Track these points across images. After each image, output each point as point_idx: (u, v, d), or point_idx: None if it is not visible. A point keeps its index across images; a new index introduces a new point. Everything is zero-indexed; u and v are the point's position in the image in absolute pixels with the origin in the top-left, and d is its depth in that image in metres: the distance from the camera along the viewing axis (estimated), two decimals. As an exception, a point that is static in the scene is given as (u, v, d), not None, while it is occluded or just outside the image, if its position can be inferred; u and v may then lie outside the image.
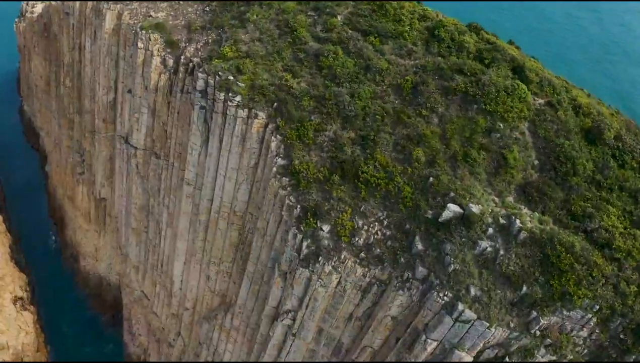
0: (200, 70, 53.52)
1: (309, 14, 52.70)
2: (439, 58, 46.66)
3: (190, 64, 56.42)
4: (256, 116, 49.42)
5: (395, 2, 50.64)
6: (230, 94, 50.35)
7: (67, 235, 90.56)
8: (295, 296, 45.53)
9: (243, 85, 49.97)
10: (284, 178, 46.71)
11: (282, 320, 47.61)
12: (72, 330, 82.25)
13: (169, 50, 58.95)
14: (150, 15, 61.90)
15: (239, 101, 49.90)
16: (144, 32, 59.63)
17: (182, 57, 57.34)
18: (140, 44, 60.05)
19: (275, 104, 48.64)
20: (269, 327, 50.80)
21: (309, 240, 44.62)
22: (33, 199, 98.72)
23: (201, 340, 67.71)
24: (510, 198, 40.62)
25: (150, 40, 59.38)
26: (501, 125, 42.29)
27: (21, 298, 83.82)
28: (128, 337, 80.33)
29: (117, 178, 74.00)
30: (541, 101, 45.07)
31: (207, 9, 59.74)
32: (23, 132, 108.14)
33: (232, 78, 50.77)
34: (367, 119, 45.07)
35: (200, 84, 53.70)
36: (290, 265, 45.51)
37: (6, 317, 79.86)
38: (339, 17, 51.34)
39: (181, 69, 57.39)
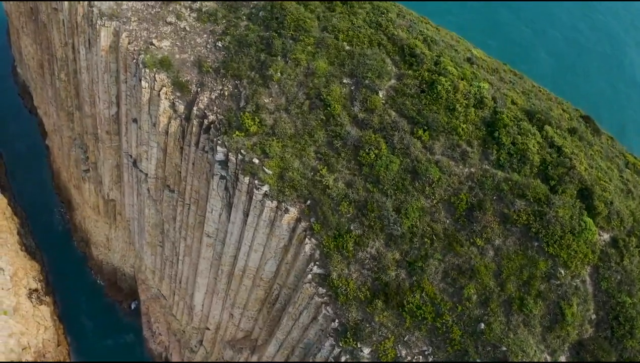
0: (220, 141, 47.74)
1: (344, 81, 45.57)
2: (499, 173, 40.96)
3: (206, 121, 50.45)
4: (287, 211, 44.74)
5: (443, 78, 43.44)
6: (256, 182, 45.20)
7: (75, 219, 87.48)
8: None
9: (270, 172, 44.77)
10: (320, 288, 43.17)
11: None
12: (90, 321, 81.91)
13: (178, 93, 52.45)
14: (153, 44, 54.49)
15: (266, 191, 44.91)
16: (147, 70, 52.61)
17: (195, 107, 51.27)
18: (144, 83, 53.56)
19: (309, 201, 43.72)
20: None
21: (347, 356, 42.26)
22: (36, 171, 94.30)
23: (226, 358, 67.35)
24: (562, 358, 37.64)
25: (155, 80, 52.58)
26: (562, 271, 38.31)
27: (36, 290, 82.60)
28: (148, 333, 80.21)
29: (126, 191, 69.76)
30: (607, 237, 40.45)
31: (220, 44, 52.27)
32: (19, 94, 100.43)
33: (257, 161, 45.41)
34: (414, 240, 40.56)
35: (219, 156, 48.21)
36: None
37: (23, 315, 79.08)
38: (380, 94, 44.43)
39: (194, 122, 51.50)
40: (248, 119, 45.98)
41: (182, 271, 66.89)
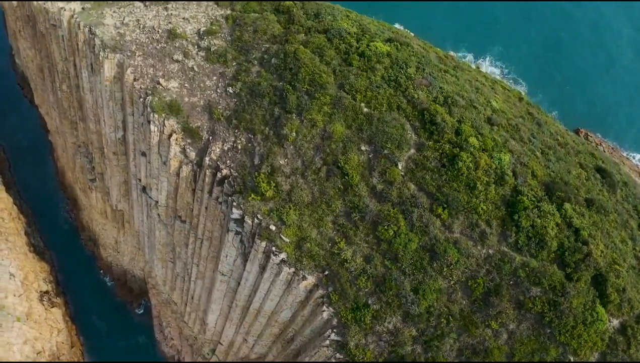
0: (235, 203, 46.96)
1: (362, 148, 44.40)
2: (517, 257, 40.70)
3: (219, 174, 49.56)
4: (304, 278, 44.70)
5: (464, 153, 42.38)
6: (274, 248, 44.96)
7: (82, 219, 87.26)
8: None
9: (288, 240, 44.51)
10: (337, 354, 43.76)
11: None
12: (102, 321, 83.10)
13: (189, 140, 51.34)
14: (160, 83, 52.89)
15: (284, 258, 44.73)
16: (156, 115, 51.26)
17: (207, 157, 50.27)
18: (153, 127, 52.56)
19: (327, 272, 43.61)
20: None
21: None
22: (39, 165, 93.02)
23: (239, 370, 68.87)
24: None
25: (164, 125, 51.36)
26: (571, 358, 38.72)
27: (47, 292, 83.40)
28: (160, 335, 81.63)
29: (135, 208, 69.30)
30: (616, 323, 40.69)
31: (231, 90, 50.70)
32: (18, 83, 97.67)
33: (274, 228, 44.98)
34: (431, 319, 40.80)
35: (235, 215, 47.68)
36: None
37: (36, 319, 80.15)
38: (399, 166, 43.38)
39: (207, 172, 50.75)
40: (264, 183, 45.14)
41: (195, 290, 67.31)
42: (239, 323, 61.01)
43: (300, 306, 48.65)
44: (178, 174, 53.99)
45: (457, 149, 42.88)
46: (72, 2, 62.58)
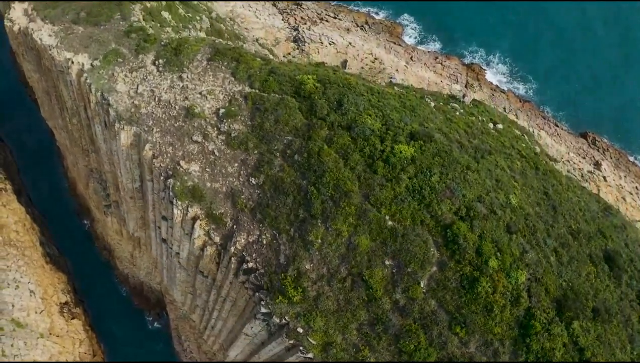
0: (263, 302, 48.64)
1: (386, 263, 45.76)
2: None
3: (245, 265, 50.93)
4: (330, 377, 47.26)
5: (484, 279, 44.05)
6: (301, 348, 47.25)
7: (96, 229, 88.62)
8: None
9: (315, 342, 46.66)
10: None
11: None
12: (120, 330, 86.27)
13: (213, 226, 52.31)
14: (180, 165, 53.15)
15: (310, 357, 47.14)
16: (179, 202, 51.99)
17: (233, 247, 51.33)
18: (176, 211, 53.60)
19: (352, 374, 46.22)
20: None
21: None
22: (48, 168, 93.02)
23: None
24: None
25: (188, 210, 52.19)
26: None
27: (66, 303, 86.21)
28: (178, 347, 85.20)
29: (153, 247, 70.57)
30: None
31: (253, 181, 51.15)
32: (20, 80, 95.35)
33: (301, 331, 47.08)
34: None
35: (263, 310, 49.47)
36: None
37: (58, 332, 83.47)
38: (422, 283, 44.96)
39: (233, 260, 51.94)
40: (291, 288, 46.74)
41: (216, 325, 69.76)
42: (261, 366, 63.98)
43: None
44: (202, 250, 55.07)
45: (477, 272, 44.66)
46: (80, 55, 61.27)
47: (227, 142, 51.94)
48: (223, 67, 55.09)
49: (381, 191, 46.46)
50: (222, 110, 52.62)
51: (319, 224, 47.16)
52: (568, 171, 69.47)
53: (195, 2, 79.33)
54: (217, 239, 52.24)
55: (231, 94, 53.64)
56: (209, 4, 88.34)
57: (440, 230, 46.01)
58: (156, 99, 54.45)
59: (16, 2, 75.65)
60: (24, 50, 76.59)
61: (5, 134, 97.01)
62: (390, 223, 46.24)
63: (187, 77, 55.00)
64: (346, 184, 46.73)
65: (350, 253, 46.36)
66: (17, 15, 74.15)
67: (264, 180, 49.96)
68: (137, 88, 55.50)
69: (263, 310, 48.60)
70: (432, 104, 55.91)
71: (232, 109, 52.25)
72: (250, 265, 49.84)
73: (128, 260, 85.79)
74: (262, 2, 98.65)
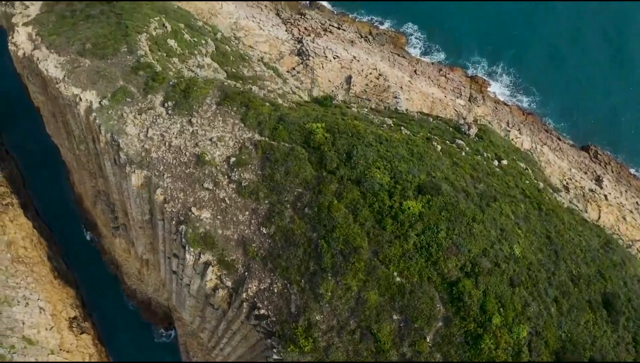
0: (275, 350, 50.13)
1: (394, 317, 47.14)
2: None
3: (256, 311, 52.31)
4: (341, 424, 48.98)
5: (487, 336, 45.48)
6: (311, 393, 48.98)
7: (103, 244, 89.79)
8: None
9: (325, 391, 48.28)
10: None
11: None
12: (129, 343, 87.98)
13: (224, 271, 53.56)
14: (192, 211, 54.08)
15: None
16: (192, 248, 53.14)
17: (245, 293, 52.64)
18: (188, 256, 54.74)
19: (362, 421, 47.99)
20: None
21: None
22: (53, 178, 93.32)
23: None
24: None
25: (200, 257, 53.40)
26: None
27: (75, 318, 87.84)
28: (187, 360, 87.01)
29: (162, 272, 71.71)
30: None
31: (264, 230, 52.24)
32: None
33: (312, 380, 48.60)
34: None
35: (275, 355, 51.01)
36: None
37: (68, 348, 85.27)
38: (428, 338, 46.42)
39: (244, 305, 53.27)
40: (302, 337, 48.20)
41: (225, 349, 71.46)
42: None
43: None
44: (214, 290, 56.34)
45: (481, 329, 46.15)
46: (88, 92, 61.63)
47: (238, 191, 52.79)
48: (232, 112, 55.64)
49: (390, 248, 47.64)
50: (232, 159, 53.39)
51: (329, 278, 48.42)
52: (570, 201, 70.42)
53: (200, 24, 79.31)
54: (229, 283, 53.48)
55: (241, 141, 54.31)
56: (213, 22, 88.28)
57: (447, 287, 47.42)
58: (166, 143, 55.09)
59: (20, 26, 75.77)
60: (28, 73, 76.85)
61: (10, 144, 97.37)
62: (398, 279, 47.53)
63: (197, 122, 55.57)
64: (356, 240, 47.87)
65: (359, 307, 47.72)
66: (22, 39, 74.31)
67: (275, 231, 51.02)
68: (147, 131, 56.08)
69: (275, 356, 50.04)
70: (439, 148, 56.57)
71: (243, 157, 53.01)
72: (262, 312, 51.17)
73: (136, 276, 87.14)
74: (266, 13, 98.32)
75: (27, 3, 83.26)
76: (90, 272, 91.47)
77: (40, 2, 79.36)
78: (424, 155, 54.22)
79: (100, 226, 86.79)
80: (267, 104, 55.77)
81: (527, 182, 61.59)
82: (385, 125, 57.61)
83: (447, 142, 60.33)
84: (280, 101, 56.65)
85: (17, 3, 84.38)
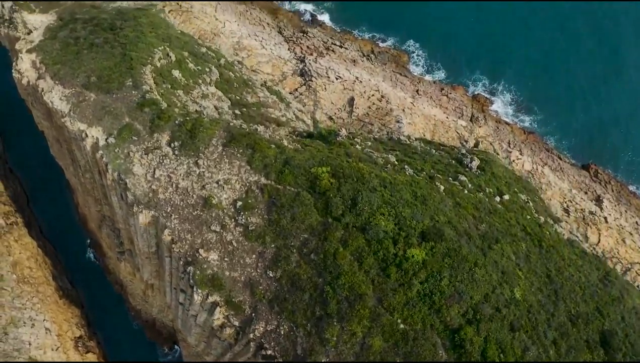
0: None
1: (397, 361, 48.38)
2: None
3: (263, 351, 53.46)
4: None
5: None
6: None
7: (108, 264, 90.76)
8: None
9: None
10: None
11: None
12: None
13: (232, 312, 54.61)
14: (199, 253, 55.00)
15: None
16: (200, 290, 54.19)
17: (252, 333, 53.71)
18: (196, 297, 55.61)
19: None
20: None
21: None
22: (57, 195, 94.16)
23: None
24: None
25: (208, 297, 54.45)
26: None
27: (81, 337, 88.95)
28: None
29: (168, 298, 72.67)
30: None
31: (271, 274, 53.26)
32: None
33: (319, 424, 49.81)
34: None
35: (281, 397, 52.22)
36: None
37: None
38: (430, 385, 47.70)
39: (252, 344, 54.39)
40: (310, 374, 49.35)
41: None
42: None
43: None
44: (221, 327, 57.38)
45: (482, 378, 47.36)
46: (94, 128, 62.29)
47: (245, 234, 53.68)
48: (239, 154, 56.43)
49: (394, 296, 48.73)
50: (239, 203, 54.24)
51: (335, 323, 49.50)
52: (570, 232, 71.45)
53: (204, 50, 79.83)
54: (236, 323, 54.54)
55: (247, 184, 55.13)
56: (216, 42, 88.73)
57: (449, 334, 48.56)
58: (174, 185, 55.90)
59: (24, 52, 76.23)
60: (33, 100, 77.44)
61: (14, 163, 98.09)
62: (402, 326, 48.65)
63: (204, 163, 56.34)
64: (361, 287, 48.93)
65: (364, 352, 48.86)
66: (26, 67, 74.84)
67: (281, 274, 52.03)
68: (154, 172, 56.85)
69: (282, 397, 51.22)
70: (442, 188, 57.47)
71: (249, 201, 53.87)
72: (269, 352, 52.25)
73: (140, 297, 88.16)
74: (268, 31, 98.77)
75: (29, 27, 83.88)
76: (94, 291, 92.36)
77: (43, 28, 79.76)
78: (427, 198, 55.10)
79: (105, 248, 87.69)
80: (273, 146, 56.55)
81: (529, 217, 62.55)
82: (389, 165, 58.44)
83: (450, 179, 61.20)
84: (285, 143, 57.40)
85: (19, 26, 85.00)
